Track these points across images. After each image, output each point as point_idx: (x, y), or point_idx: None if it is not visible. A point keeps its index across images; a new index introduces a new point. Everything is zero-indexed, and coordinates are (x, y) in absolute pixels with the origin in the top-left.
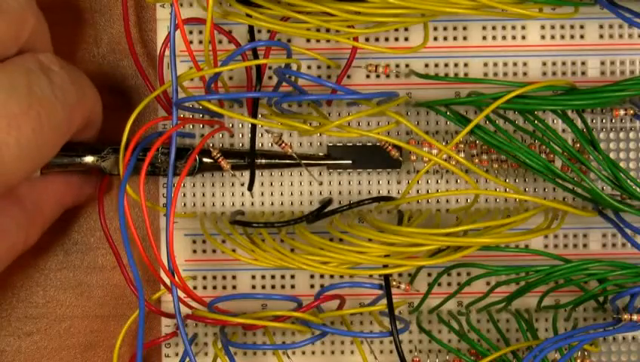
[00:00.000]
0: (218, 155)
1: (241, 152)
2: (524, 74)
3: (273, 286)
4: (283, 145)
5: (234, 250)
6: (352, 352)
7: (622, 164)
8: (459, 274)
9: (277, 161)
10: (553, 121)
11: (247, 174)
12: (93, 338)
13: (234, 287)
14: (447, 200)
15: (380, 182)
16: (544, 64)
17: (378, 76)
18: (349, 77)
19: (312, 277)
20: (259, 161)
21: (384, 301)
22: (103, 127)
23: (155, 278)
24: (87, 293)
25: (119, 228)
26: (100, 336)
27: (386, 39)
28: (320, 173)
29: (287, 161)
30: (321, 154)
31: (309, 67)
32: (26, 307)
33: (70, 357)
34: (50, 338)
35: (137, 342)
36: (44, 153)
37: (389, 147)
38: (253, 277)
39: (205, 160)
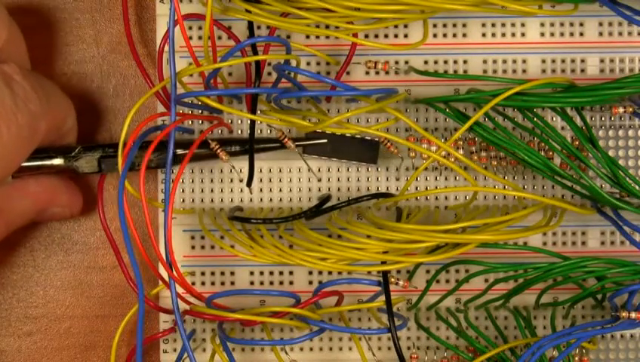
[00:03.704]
0: (217, 147)
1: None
2: (524, 71)
3: (272, 283)
4: (285, 140)
5: (232, 246)
6: (350, 349)
7: (621, 162)
8: (457, 271)
9: (262, 146)
10: (552, 118)
11: (246, 169)
12: (93, 338)
13: (232, 283)
14: (446, 197)
15: (379, 178)
16: (543, 61)
17: (377, 73)
18: (348, 73)
19: (310, 273)
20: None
21: (382, 297)
22: (106, 127)
23: (154, 276)
24: (87, 293)
25: (119, 229)
26: (99, 336)
27: (386, 36)
28: (319, 170)
29: (272, 145)
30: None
31: (308, 63)
32: (26, 307)
33: (70, 357)
34: (50, 339)
35: (137, 329)
36: (7, 161)
37: (388, 144)
38: (252, 273)
39: (179, 152)
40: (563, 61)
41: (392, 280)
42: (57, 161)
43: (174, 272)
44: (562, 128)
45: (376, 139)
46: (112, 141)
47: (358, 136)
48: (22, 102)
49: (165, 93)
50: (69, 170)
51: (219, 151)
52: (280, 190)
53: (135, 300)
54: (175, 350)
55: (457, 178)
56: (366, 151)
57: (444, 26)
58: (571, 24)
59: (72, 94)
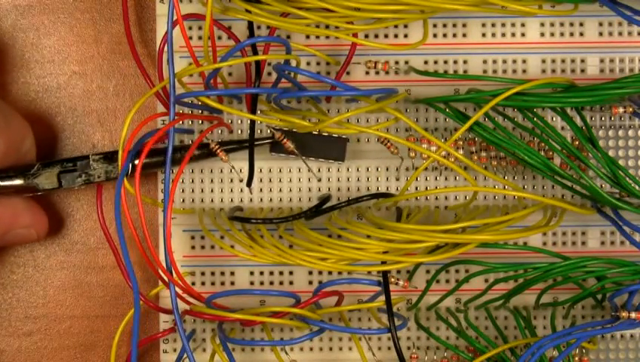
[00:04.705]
0: (217, 147)
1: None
2: (524, 71)
3: (272, 283)
4: (284, 140)
5: (232, 246)
6: (350, 349)
7: (621, 162)
8: (457, 271)
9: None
10: (552, 118)
11: (246, 169)
12: (93, 338)
13: (232, 283)
14: (446, 197)
15: (379, 178)
16: (543, 61)
17: (377, 73)
18: (348, 73)
19: (310, 273)
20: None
21: (382, 297)
22: (107, 127)
23: (155, 277)
24: (87, 293)
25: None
26: (99, 336)
27: (386, 36)
28: (319, 170)
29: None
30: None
31: (308, 63)
32: (26, 307)
33: (70, 357)
34: (50, 339)
35: (133, 330)
36: None
37: (389, 144)
38: (252, 273)
39: (147, 160)
40: (563, 61)
41: (392, 280)
42: (17, 181)
43: (173, 273)
44: (562, 128)
45: (344, 136)
46: (112, 142)
47: (325, 134)
48: None
49: (165, 93)
50: (29, 188)
51: (219, 151)
52: (280, 190)
53: None
54: (175, 350)
55: (457, 178)
56: (334, 148)
57: (444, 26)
58: (571, 24)
59: (71, 94)
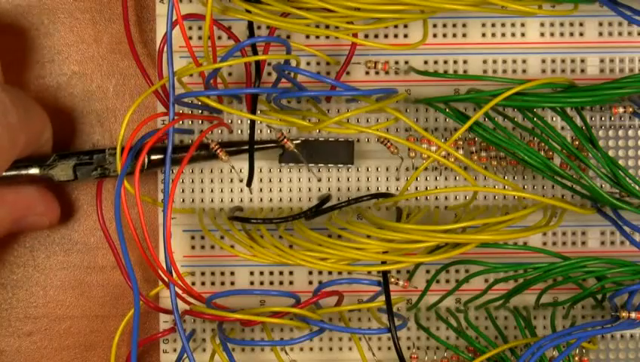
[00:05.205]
0: (217, 147)
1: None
2: (524, 71)
3: (271, 283)
4: (284, 140)
5: (232, 246)
6: (350, 349)
7: (621, 162)
8: (457, 271)
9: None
10: (552, 118)
11: (246, 169)
12: (93, 338)
13: (232, 283)
14: (446, 197)
15: (379, 178)
16: (543, 61)
17: (377, 73)
18: (348, 73)
19: (310, 273)
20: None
21: (382, 297)
22: (106, 127)
23: (155, 277)
24: (87, 293)
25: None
26: (99, 336)
27: (386, 36)
28: (319, 170)
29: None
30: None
31: (308, 63)
32: (26, 307)
33: (70, 357)
34: (50, 339)
35: (133, 330)
36: None
37: (389, 144)
38: (252, 273)
39: (153, 157)
40: (563, 61)
41: (392, 280)
42: (33, 171)
43: (173, 273)
44: (562, 128)
45: (350, 139)
46: (112, 142)
47: (332, 139)
48: (1, 116)
49: (165, 93)
50: (45, 179)
51: (218, 151)
52: (280, 190)
53: None
54: (175, 350)
55: (457, 178)
56: (341, 152)
57: (444, 26)
58: (571, 24)
59: (71, 94)
